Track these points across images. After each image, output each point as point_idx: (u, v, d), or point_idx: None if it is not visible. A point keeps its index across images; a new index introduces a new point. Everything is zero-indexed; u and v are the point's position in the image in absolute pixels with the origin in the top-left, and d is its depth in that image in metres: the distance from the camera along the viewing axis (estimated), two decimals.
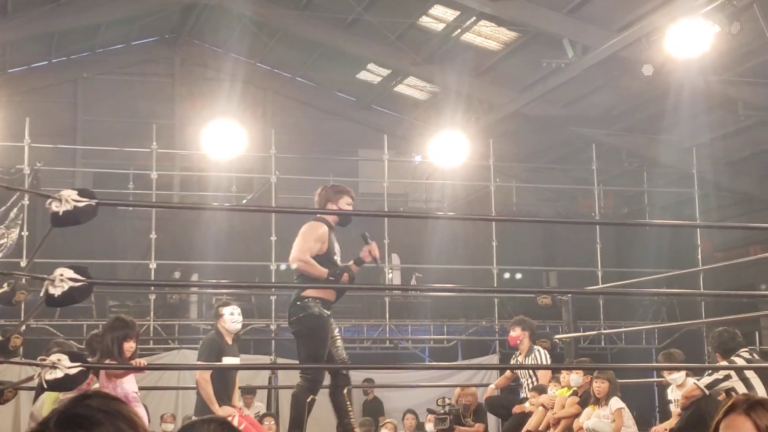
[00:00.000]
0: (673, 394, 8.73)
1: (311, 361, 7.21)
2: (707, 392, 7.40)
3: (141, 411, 7.11)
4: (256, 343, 15.45)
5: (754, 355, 7.99)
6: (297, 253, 7.24)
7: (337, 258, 7.38)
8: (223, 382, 8.36)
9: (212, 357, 8.36)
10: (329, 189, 7.55)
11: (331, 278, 7.16)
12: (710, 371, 7.51)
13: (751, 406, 2.33)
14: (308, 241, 7.23)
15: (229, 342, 8.54)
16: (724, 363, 7.55)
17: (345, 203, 7.45)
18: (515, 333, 9.90)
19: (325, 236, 7.29)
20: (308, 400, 7.22)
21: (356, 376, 14.50)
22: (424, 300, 16.60)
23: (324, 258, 7.24)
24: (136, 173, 16.83)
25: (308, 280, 7.22)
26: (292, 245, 7.31)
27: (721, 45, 11.07)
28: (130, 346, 7.05)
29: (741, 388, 7.17)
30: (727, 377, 7.27)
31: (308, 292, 7.18)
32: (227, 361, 8.44)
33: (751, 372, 7.17)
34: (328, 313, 7.27)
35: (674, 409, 8.71)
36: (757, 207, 16.92)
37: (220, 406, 8.10)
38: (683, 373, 8.07)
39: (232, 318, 8.54)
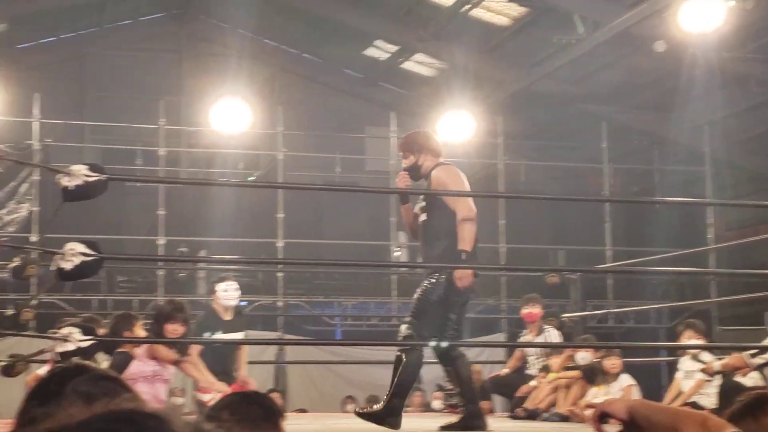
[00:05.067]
0: (684, 365, 8.67)
1: None
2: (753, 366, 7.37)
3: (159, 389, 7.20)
4: (264, 319, 15.49)
5: None
6: (467, 204, 6.64)
7: None
8: (216, 357, 8.37)
9: (199, 334, 8.38)
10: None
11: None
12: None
13: None
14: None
15: (227, 317, 8.61)
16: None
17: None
18: (536, 310, 9.86)
19: None
20: None
21: (360, 354, 14.54)
22: None
23: None
24: (144, 149, 16.78)
25: (447, 254, 6.55)
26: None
27: (735, 21, 10.94)
28: (174, 328, 7.13)
29: None
30: None
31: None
32: (224, 336, 8.48)
33: None
34: None
35: (683, 379, 8.66)
36: None
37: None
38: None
39: (225, 294, 8.69)
